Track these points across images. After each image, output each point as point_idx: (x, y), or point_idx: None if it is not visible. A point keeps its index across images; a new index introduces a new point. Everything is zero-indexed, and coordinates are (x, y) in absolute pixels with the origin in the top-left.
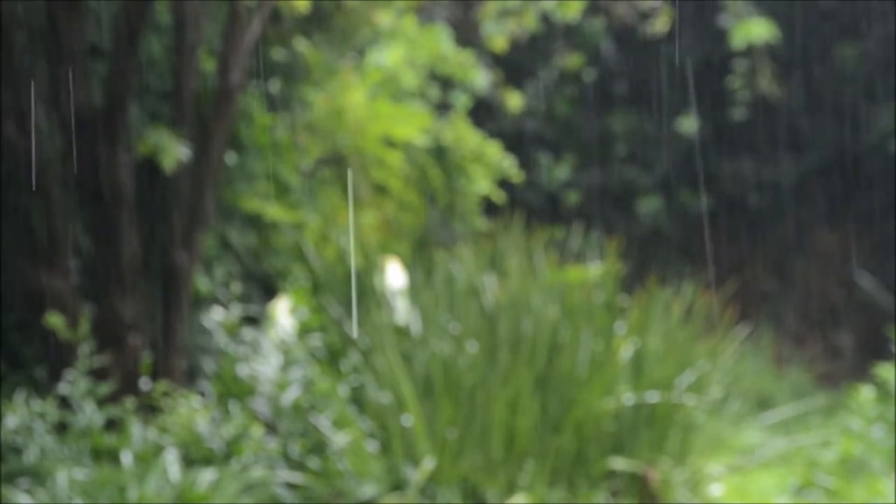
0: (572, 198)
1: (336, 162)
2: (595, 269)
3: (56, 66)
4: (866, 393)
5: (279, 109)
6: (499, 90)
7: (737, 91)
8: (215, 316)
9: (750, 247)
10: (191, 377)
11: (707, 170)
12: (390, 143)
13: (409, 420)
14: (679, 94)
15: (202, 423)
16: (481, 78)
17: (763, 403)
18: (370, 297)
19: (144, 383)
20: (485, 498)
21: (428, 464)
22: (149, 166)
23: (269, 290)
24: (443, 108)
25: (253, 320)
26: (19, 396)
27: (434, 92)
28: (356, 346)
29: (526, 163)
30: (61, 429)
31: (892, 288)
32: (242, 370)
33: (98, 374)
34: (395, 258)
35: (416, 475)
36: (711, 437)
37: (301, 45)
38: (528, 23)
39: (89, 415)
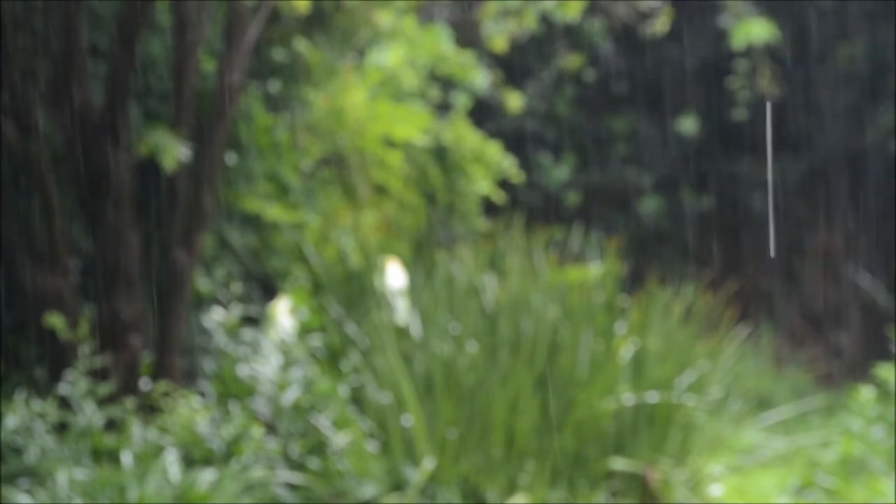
0: (572, 198)
1: (336, 162)
2: (595, 269)
3: (56, 66)
4: (866, 393)
5: (279, 109)
6: (499, 90)
7: (737, 91)
8: (215, 316)
9: (750, 247)
10: (191, 377)
11: (707, 170)
12: (390, 143)
13: (409, 420)
14: (679, 94)
15: (202, 423)
16: (481, 78)
17: (763, 403)
18: (370, 297)
19: (144, 383)
20: (485, 498)
21: (428, 464)
22: (149, 166)
23: (269, 290)
24: (443, 108)
25: (253, 320)
26: (19, 396)
27: (434, 92)
28: (356, 346)
29: (526, 163)
30: (61, 429)
31: (892, 288)
32: (242, 370)
33: (98, 375)
34: (395, 258)
35: (416, 475)
36: (711, 437)
37: (301, 45)
38: (528, 23)
39: (89, 415)
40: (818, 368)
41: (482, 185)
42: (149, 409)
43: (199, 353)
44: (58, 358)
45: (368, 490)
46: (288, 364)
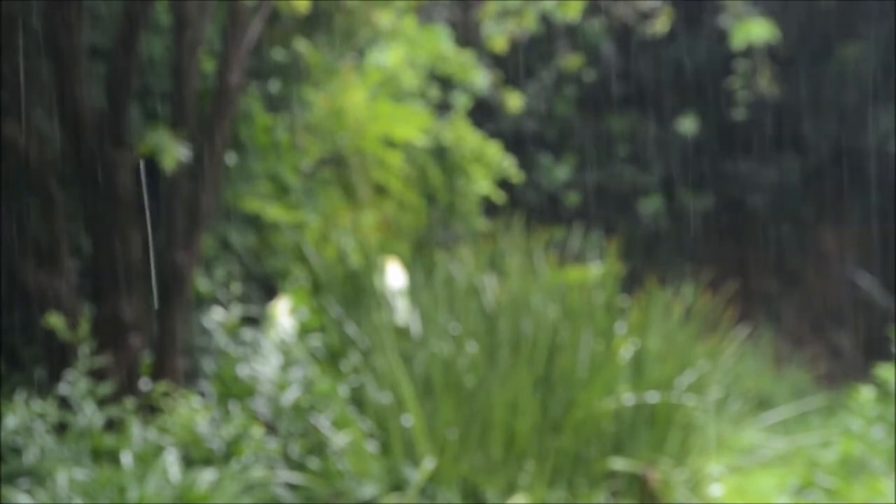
0: (572, 198)
1: (336, 162)
2: (595, 269)
3: (56, 66)
4: (866, 393)
5: (279, 109)
6: (499, 90)
7: (737, 91)
8: (215, 316)
9: (750, 247)
10: (191, 377)
11: (707, 170)
12: (390, 143)
13: (409, 420)
14: (679, 94)
15: (202, 423)
16: (481, 78)
17: (763, 403)
18: (370, 297)
19: (144, 383)
20: (485, 498)
21: (428, 464)
22: (149, 166)
23: (269, 290)
24: (443, 108)
25: (253, 320)
26: (19, 396)
27: (434, 92)
28: (356, 346)
29: (526, 163)
30: (61, 429)
31: (892, 288)
32: (242, 370)
33: (98, 375)
34: (395, 258)
35: (416, 475)
36: (711, 437)
37: (301, 45)
38: (528, 23)
39: (89, 415)
40: (818, 368)
41: (482, 185)
42: (149, 409)
43: (199, 353)
44: (58, 358)
45: (368, 490)
46: (288, 364)
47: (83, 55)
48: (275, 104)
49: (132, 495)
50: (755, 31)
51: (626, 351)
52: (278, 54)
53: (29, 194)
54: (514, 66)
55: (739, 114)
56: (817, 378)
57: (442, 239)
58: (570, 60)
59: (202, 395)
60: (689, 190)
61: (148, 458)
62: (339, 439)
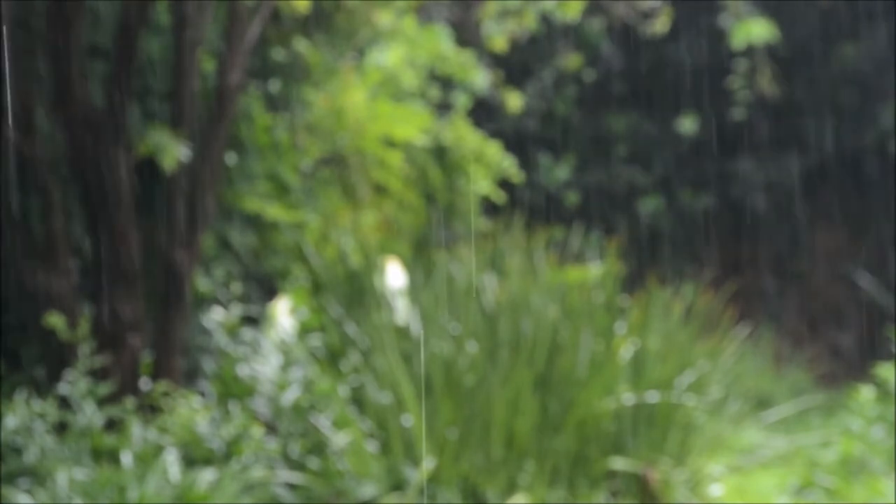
0: (572, 198)
1: (336, 162)
2: (595, 269)
3: (56, 66)
4: (866, 393)
5: (279, 109)
6: (499, 90)
7: (737, 91)
8: (215, 316)
9: (750, 247)
10: (191, 377)
11: (707, 170)
12: (390, 143)
13: (409, 420)
14: (679, 94)
15: (202, 423)
16: (481, 78)
17: (763, 403)
18: (370, 297)
19: (144, 383)
20: (485, 498)
21: (428, 464)
22: (149, 166)
23: (269, 290)
24: (443, 108)
25: (253, 320)
26: (19, 396)
27: (434, 92)
28: (356, 346)
29: (526, 163)
30: (61, 429)
31: (892, 288)
32: (242, 370)
33: (98, 374)
34: (395, 258)
35: (416, 475)
36: (711, 437)
37: (301, 45)
38: (528, 23)
39: (89, 415)
40: (818, 368)
41: (482, 185)
42: (149, 409)
43: (199, 353)
44: (58, 358)
45: (368, 490)
46: (288, 364)
47: (83, 55)
48: (275, 104)
49: (132, 495)
50: (755, 31)
51: (626, 351)
52: (278, 54)
53: (29, 194)
54: (514, 66)
55: (739, 114)
56: (817, 378)
57: (442, 239)
58: (570, 60)
59: (202, 395)
60: (689, 190)
61: (148, 458)
62: (339, 439)
